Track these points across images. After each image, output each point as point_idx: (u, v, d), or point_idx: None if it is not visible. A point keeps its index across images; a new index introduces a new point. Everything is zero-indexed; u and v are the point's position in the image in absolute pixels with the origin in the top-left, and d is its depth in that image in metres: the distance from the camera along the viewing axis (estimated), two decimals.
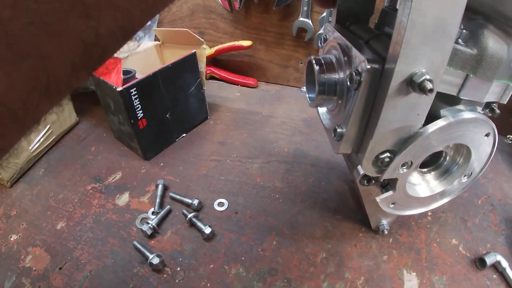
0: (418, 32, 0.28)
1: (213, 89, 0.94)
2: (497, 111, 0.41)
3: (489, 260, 0.49)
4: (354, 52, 0.35)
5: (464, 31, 0.34)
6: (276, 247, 0.54)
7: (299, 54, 0.89)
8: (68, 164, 0.71)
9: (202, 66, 0.73)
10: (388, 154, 0.37)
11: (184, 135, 0.78)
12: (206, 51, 0.77)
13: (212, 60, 0.97)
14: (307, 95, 0.45)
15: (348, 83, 0.35)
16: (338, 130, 0.37)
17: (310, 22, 0.82)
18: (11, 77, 0.15)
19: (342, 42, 0.38)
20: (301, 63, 0.91)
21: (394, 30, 0.29)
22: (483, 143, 0.41)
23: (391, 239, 0.55)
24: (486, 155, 0.44)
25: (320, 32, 0.81)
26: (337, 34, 0.40)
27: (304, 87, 0.92)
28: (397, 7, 0.29)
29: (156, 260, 0.50)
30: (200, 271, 0.51)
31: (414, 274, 0.50)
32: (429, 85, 0.29)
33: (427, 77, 0.29)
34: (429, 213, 0.58)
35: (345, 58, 0.37)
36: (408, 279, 0.50)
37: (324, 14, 0.79)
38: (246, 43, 0.87)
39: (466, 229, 0.56)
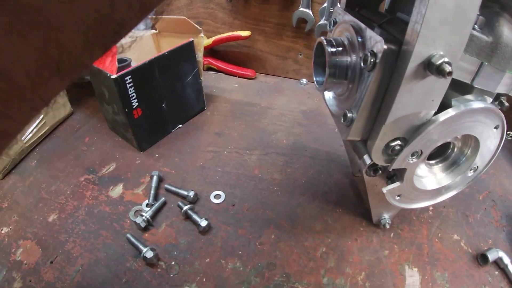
0: (439, 11, 0.27)
1: (211, 80, 0.92)
2: (506, 104, 0.40)
3: (491, 256, 0.49)
4: (369, 33, 0.34)
5: (480, 17, 0.33)
6: (274, 241, 0.53)
7: (298, 45, 0.88)
8: (61, 155, 0.70)
9: (200, 55, 0.71)
10: (399, 142, 0.36)
11: (180, 126, 0.76)
12: (204, 40, 0.75)
13: (210, 51, 0.96)
14: (314, 79, 0.43)
15: (362, 65, 0.33)
16: (348, 114, 0.36)
17: (310, 12, 0.80)
18: (18, 49, 0.14)
19: (355, 24, 0.37)
20: (301, 54, 0.89)
21: (414, 9, 0.28)
22: (491, 135, 0.40)
23: (392, 234, 0.54)
24: (494, 149, 0.43)
25: (320, 23, 0.80)
26: (348, 16, 0.39)
27: (304, 79, 0.91)
28: None
29: (150, 254, 0.49)
30: (196, 265, 0.50)
31: (416, 269, 0.49)
32: (448, 68, 0.28)
33: (446, 59, 0.28)
34: (431, 208, 0.57)
35: (359, 40, 0.35)
36: (410, 275, 0.48)
37: (325, 4, 0.77)
38: (245, 33, 0.85)
39: (468, 225, 0.54)
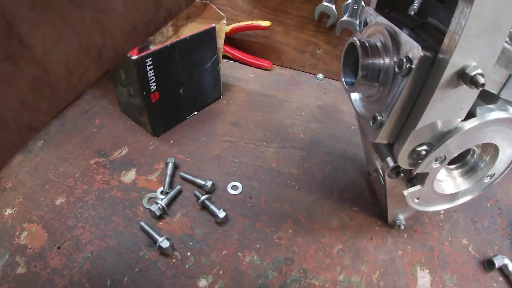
0: (478, 24, 0.28)
1: (226, 69, 0.90)
2: None
3: (498, 262, 0.49)
4: (404, 37, 0.34)
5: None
6: (292, 236, 0.52)
7: (318, 40, 0.86)
8: (70, 136, 0.67)
9: (220, 42, 0.69)
10: (425, 147, 0.36)
11: (195, 113, 0.74)
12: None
13: (227, 39, 0.92)
14: (343, 79, 0.43)
15: (396, 70, 0.34)
16: (378, 118, 0.37)
17: (333, 7, 0.79)
18: (58, 32, 0.12)
19: (389, 27, 0.37)
20: (319, 49, 0.87)
21: (453, 20, 0.29)
22: (511, 144, 0.41)
23: (405, 235, 0.54)
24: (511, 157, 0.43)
25: (343, 19, 0.78)
26: (381, 18, 0.39)
27: (320, 74, 0.89)
28: None
29: (165, 244, 0.47)
30: (212, 257, 0.49)
31: (427, 271, 0.49)
32: (481, 80, 0.29)
33: (479, 71, 0.29)
34: (442, 212, 0.58)
35: (393, 43, 0.36)
36: (421, 276, 0.49)
37: (349, 0, 0.76)
38: (265, 23, 0.83)
39: (476, 230, 0.55)
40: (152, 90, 0.60)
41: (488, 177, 0.45)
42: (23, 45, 0.12)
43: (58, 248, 0.48)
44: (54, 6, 0.12)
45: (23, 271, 0.46)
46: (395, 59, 0.35)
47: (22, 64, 0.12)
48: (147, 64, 0.57)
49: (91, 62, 0.14)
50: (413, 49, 0.32)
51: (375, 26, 0.40)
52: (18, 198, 0.55)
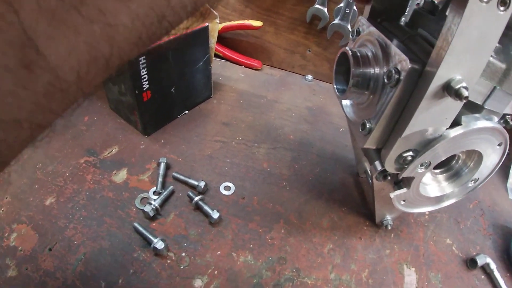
0: (464, 40, 0.29)
1: (216, 68, 0.89)
2: (511, 122, 0.43)
3: (480, 261, 0.52)
4: (394, 49, 0.35)
5: (497, 44, 0.35)
6: (284, 236, 0.53)
7: (308, 41, 0.87)
8: (57, 134, 0.65)
9: (213, 41, 0.68)
10: (411, 153, 0.38)
11: (186, 112, 0.73)
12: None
13: (217, 37, 0.92)
14: (335, 87, 0.44)
15: (385, 80, 0.35)
16: (367, 125, 0.38)
17: (325, 10, 0.80)
18: (72, 44, 0.13)
19: (380, 38, 0.38)
20: (309, 51, 0.88)
21: (440, 36, 0.30)
22: (495, 151, 0.43)
23: (392, 235, 0.56)
24: (495, 163, 0.45)
25: (334, 22, 0.80)
26: (373, 28, 0.40)
27: (309, 76, 0.91)
28: (447, 14, 0.30)
29: (160, 245, 0.47)
30: (207, 257, 0.49)
31: (413, 269, 0.51)
32: (465, 93, 0.30)
33: (464, 84, 0.31)
34: (427, 213, 0.60)
35: (383, 54, 0.37)
36: (408, 274, 0.51)
37: (342, 4, 0.77)
38: (257, 23, 0.83)
39: (459, 231, 0.58)
40: (144, 89, 0.59)
41: (472, 182, 0.47)
42: (40, 55, 0.13)
43: (50, 250, 0.47)
44: (68, 22, 0.13)
45: (14, 274, 0.44)
46: (385, 70, 0.36)
47: (38, 71, 0.13)
48: (140, 62, 0.56)
49: (99, 69, 0.15)
50: (402, 62, 0.33)
51: (367, 36, 0.41)
52: (6, 198, 0.53)
